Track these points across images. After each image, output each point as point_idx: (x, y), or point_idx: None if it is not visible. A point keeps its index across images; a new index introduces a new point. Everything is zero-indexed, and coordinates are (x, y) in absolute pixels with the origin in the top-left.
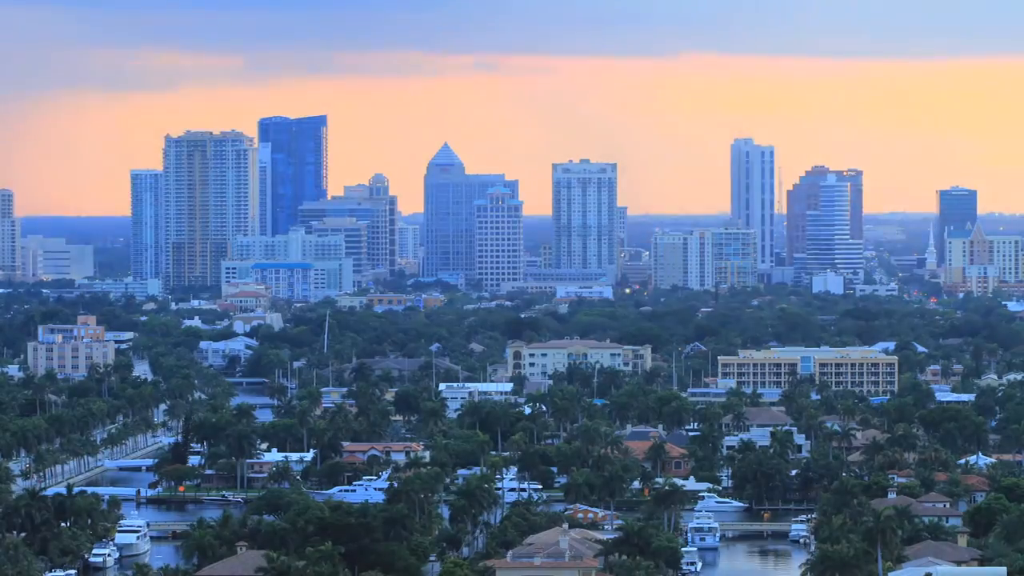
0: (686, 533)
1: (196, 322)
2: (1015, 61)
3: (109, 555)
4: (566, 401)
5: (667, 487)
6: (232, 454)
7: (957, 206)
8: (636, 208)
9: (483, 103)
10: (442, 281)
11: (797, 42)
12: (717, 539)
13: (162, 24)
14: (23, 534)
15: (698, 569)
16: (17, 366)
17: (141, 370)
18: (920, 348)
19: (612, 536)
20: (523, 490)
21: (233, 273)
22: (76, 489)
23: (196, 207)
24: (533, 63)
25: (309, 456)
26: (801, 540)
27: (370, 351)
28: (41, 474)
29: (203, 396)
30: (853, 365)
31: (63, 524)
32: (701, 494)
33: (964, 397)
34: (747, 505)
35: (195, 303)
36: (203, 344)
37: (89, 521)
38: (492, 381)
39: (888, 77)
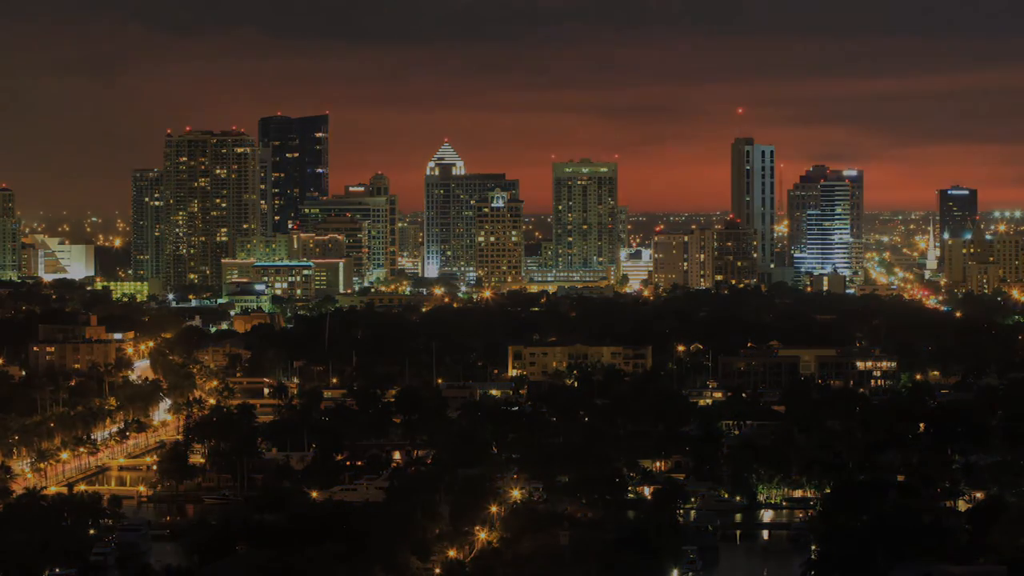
0: (686, 532)
1: (196, 322)
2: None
3: (109, 555)
4: (567, 400)
5: (667, 486)
6: (233, 453)
7: (957, 206)
8: (637, 207)
9: (484, 102)
10: (443, 280)
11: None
12: (717, 538)
13: (163, 22)
14: (23, 534)
15: (698, 568)
16: (17, 365)
17: (142, 370)
18: (920, 348)
19: (613, 536)
20: (524, 489)
21: (233, 273)
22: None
23: (196, 207)
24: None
25: (310, 455)
26: (801, 539)
27: (370, 351)
28: (42, 473)
29: (203, 395)
30: (853, 365)
31: (63, 524)
32: (701, 493)
33: (965, 396)
34: (747, 504)
35: (195, 303)
36: (203, 343)
37: (89, 520)
38: (492, 380)
39: (890, 75)
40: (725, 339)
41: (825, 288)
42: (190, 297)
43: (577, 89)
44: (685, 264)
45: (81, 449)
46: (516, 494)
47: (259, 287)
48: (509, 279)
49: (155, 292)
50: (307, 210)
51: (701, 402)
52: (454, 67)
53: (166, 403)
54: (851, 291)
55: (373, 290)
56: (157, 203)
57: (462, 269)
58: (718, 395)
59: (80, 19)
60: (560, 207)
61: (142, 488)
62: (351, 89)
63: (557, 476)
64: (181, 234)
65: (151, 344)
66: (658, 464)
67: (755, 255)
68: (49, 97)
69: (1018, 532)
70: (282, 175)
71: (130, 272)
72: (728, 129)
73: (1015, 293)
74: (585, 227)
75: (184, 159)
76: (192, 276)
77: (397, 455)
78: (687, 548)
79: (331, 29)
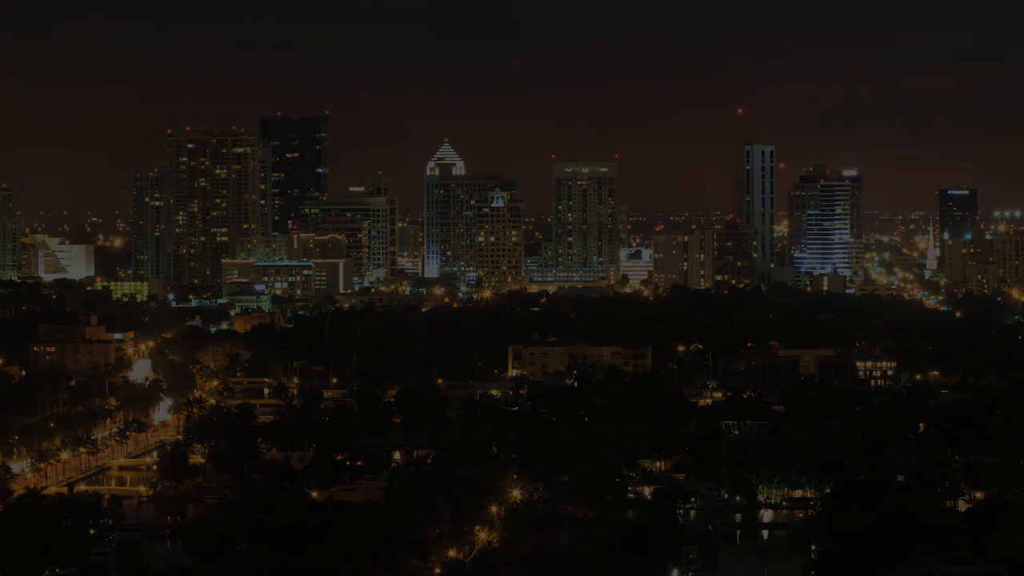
0: (686, 532)
1: (196, 322)
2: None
3: (109, 555)
4: (567, 400)
5: (667, 486)
6: (233, 453)
7: (957, 206)
8: (637, 207)
9: (484, 102)
10: (442, 281)
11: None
12: (717, 538)
13: (162, 21)
14: (23, 534)
15: (698, 568)
16: (17, 365)
17: (142, 369)
18: (920, 348)
19: (613, 536)
20: (524, 489)
21: (233, 273)
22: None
23: (196, 207)
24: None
25: (310, 455)
26: (801, 539)
27: (370, 351)
28: (42, 473)
29: (203, 395)
30: (853, 365)
31: (63, 524)
32: (701, 493)
33: (965, 396)
34: (747, 504)
35: (195, 303)
36: (203, 343)
37: (89, 520)
38: (492, 380)
39: (890, 74)
40: (725, 339)
41: (825, 288)
42: (190, 297)
43: (577, 89)
44: (685, 264)
45: (81, 449)
46: (516, 494)
47: (259, 287)
48: (509, 279)
49: (155, 292)
50: (307, 210)
51: (701, 402)
52: (454, 67)
53: (166, 403)
54: (851, 291)
55: (373, 290)
56: (157, 203)
57: (462, 269)
58: (718, 395)
59: (79, 19)
60: (560, 207)
61: (142, 488)
62: (351, 89)
63: (557, 476)
64: (181, 234)
65: (151, 344)
66: (658, 464)
67: (755, 255)
68: (49, 97)
69: (1018, 532)
70: (282, 175)
71: (130, 272)
72: (728, 129)
73: (1015, 293)
74: (585, 227)
75: (184, 159)
76: (192, 276)
77: (397, 455)
78: (687, 548)
79: (331, 29)
